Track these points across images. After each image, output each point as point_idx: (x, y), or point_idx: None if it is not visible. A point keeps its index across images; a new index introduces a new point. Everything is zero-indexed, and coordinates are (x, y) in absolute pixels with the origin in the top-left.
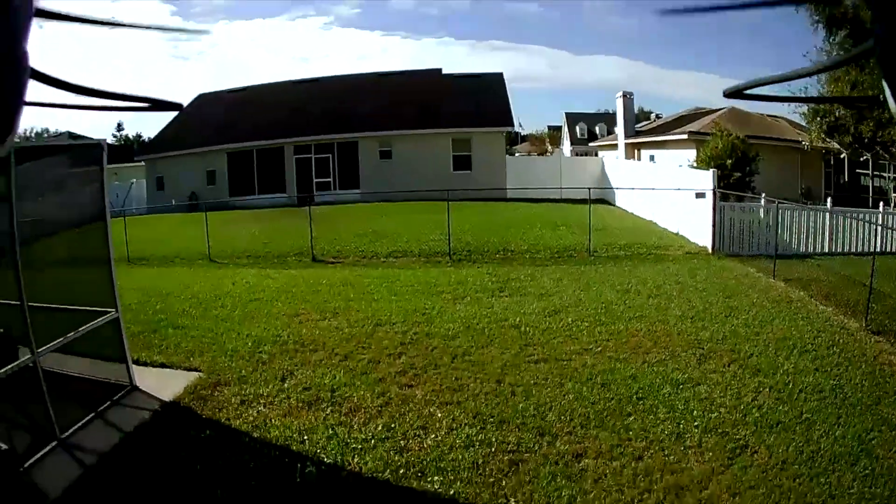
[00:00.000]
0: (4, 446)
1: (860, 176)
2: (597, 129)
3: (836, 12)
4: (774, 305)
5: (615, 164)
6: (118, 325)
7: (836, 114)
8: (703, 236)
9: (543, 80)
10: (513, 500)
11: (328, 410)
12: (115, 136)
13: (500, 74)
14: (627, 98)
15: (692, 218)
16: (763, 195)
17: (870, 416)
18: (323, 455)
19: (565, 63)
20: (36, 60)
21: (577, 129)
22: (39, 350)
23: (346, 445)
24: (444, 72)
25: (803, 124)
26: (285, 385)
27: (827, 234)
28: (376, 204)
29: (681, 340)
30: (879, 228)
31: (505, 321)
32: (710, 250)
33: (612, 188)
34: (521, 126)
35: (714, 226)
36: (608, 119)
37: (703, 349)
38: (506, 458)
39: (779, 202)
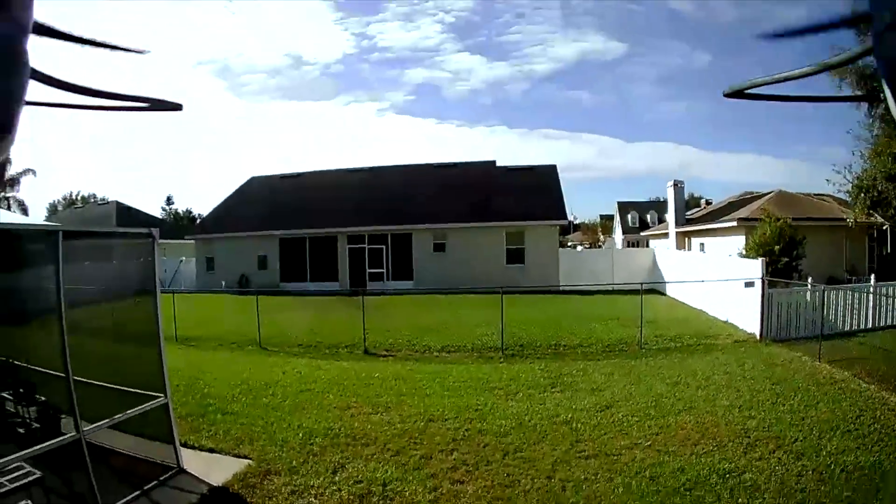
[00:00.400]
0: None
1: None
2: (648, 216)
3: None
4: (819, 388)
5: (666, 254)
6: (167, 410)
7: (879, 188)
8: (751, 323)
9: (595, 168)
10: None
11: None
12: (164, 210)
13: (554, 167)
14: (678, 187)
15: (741, 306)
16: (809, 279)
17: None
18: None
19: (616, 151)
20: (36, 60)
21: (629, 217)
22: (85, 429)
23: None
24: (497, 163)
25: (847, 200)
26: (336, 478)
27: (870, 310)
28: (429, 296)
29: (728, 431)
30: None
31: (556, 417)
32: (758, 337)
33: (663, 280)
34: (574, 215)
35: (762, 313)
36: (659, 207)
37: (750, 438)
38: None
39: (824, 287)
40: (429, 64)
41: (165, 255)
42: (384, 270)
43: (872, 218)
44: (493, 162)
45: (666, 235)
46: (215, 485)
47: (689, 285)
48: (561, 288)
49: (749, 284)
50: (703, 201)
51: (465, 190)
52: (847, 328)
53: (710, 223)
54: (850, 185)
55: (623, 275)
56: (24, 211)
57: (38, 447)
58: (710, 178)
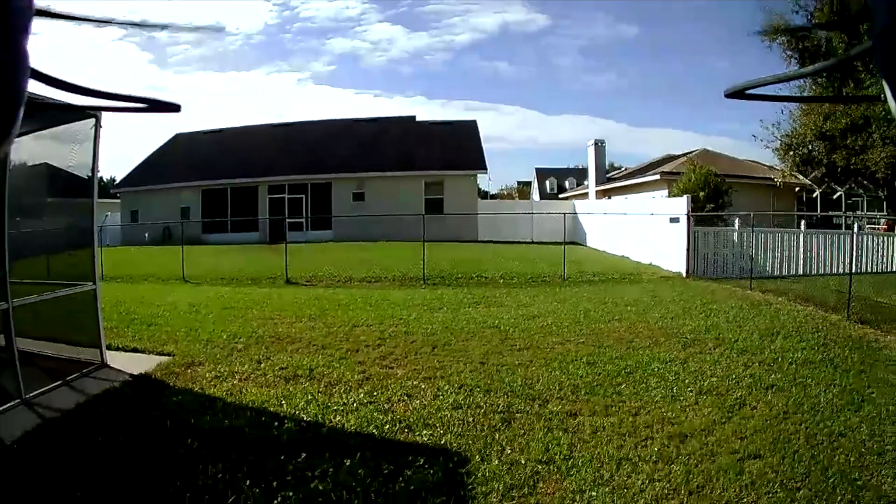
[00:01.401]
0: None
1: (832, 217)
2: (566, 183)
3: (810, 45)
4: (754, 307)
5: (586, 204)
6: (95, 299)
7: (809, 147)
8: (676, 263)
9: (514, 140)
10: (508, 448)
11: (306, 384)
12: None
13: (474, 122)
14: (599, 146)
15: (665, 247)
16: (737, 220)
17: (864, 377)
18: (302, 415)
19: (536, 122)
20: (36, 60)
21: (547, 183)
22: (14, 301)
23: (326, 408)
24: (417, 119)
25: (776, 161)
26: (262, 366)
27: (801, 255)
28: (349, 243)
29: (662, 333)
30: (851, 247)
31: (483, 323)
32: (684, 275)
33: (583, 230)
34: (490, 182)
35: (688, 251)
36: (578, 174)
37: (687, 338)
38: (497, 416)
39: (754, 227)
40: (350, 34)
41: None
42: (304, 220)
43: (801, 179)
44: (413, 117)
45: (585, 196)
46: (137, 374)
47: (610, 235)
48: (480, 237)
49: (674, 220)
50: (623, 168)
51: (384, 142)
52: (777, 273)
53: (632, 179)
54: (779, 142)
55: (543, 229)
56: None
57: None
58: (630, 152)
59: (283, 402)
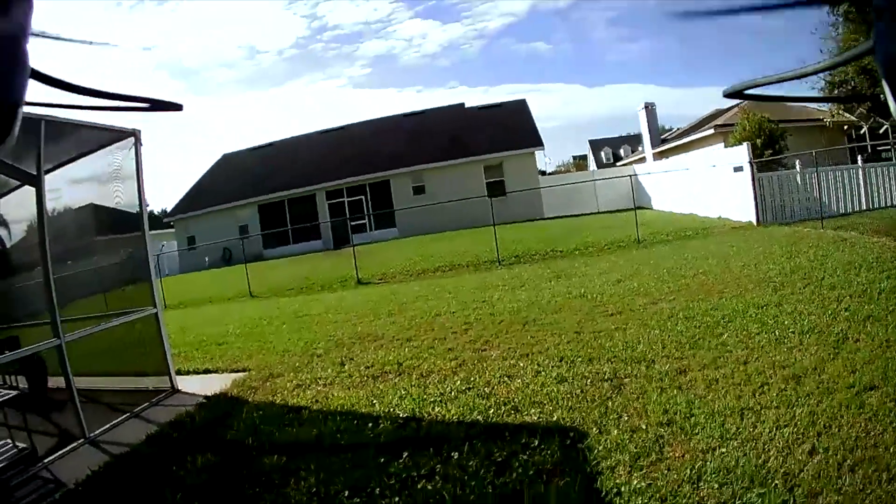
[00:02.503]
0: (23, 445)
1: (881, 151)
2: (621, 151)
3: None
4: (831, 245)
5: (646, 167)
6: (157, 322)
7: (852, 83)
8: (745, 212)
9: (562, 117)
10: (625, 415)
11: (396, 379)
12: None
13: (523, 100)
14: (650, 109)
15: (731, 198)
16: (798, 162)
17: None
18: (398, 411)
19: (580, 97)
20: (36, 60)
21: (602, 154)
22: (67, 336)
23: (422, 401)
24: (466, 105)
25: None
26: (345, 367)
27: (863, 190)
28: (415, 237)
29: (750, 280)
30: None
31: (569, 294)
32: (754, 223)
33: (647, 193)
34: (547, 161)
35: (755, 198)
36: (632, 140)
37: (775, 282)
38: (605, 384)
39: (817, 167)
40: (382, 35)
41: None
42: (366, 221)
43: (847, 116)
44: (462, 104)
45: (643, 160)
46: (210, 394)
47: (675, 195)
48: (545, 214)
49: (738, 169)
50: (675, 129)
51: (437, 132)
52: (841, 210)
53: (686, 137)
54: (823, 82)
55: (608, 198)
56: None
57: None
58: (678, 114)
59: (375, 401)
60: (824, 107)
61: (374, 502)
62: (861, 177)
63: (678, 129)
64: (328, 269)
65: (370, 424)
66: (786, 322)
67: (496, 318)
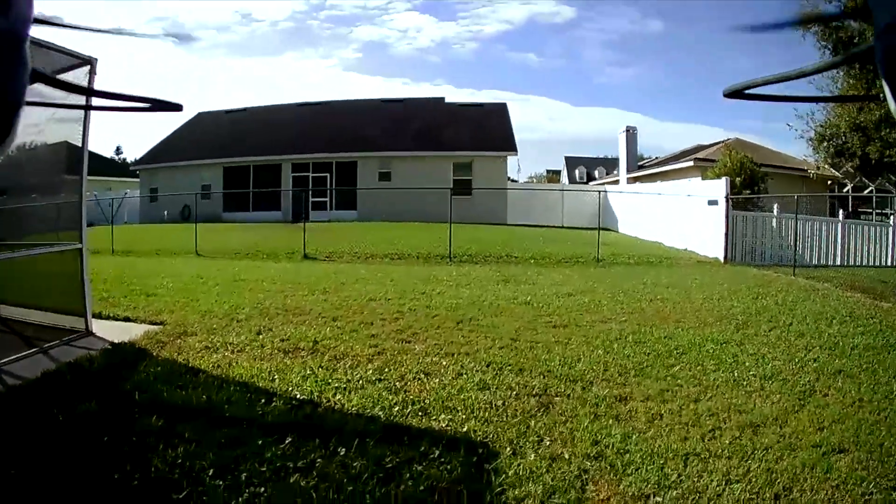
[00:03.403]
0: None
1: (860, 213)
2: (596, 172)
3: (844, 35)
4: (803, 292)
5: (618, 188)
6: (80, 260)
7: (843, 138)
8: (713, 248)
9: (543, 130)
10: (547, 438)
11: (307, 357)
12: (114, 158)
13: (504, 104)
14: (630, 133)
15: (701, 232)
16: (776, 205)
17: None
18: (296, 392)
19: (565, 114)
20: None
21: (577, 172)
22: None
23: (325, 385)
24: (446, 100)
25: (809, 151)
26: (260, 337)
27: (840, 245)
28: (373, 223)
29: (710, 314)
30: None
31: (514, 300)
32: (721, 260)
33: (614, 215)
34: (519, 171)
35: (727, 235)
36: (608, 164)
37: (738, 320)
38: (532, 400)
39: (797, 215)
40: (378, 22)
41: (112, 189)
42: (328, 199)
43: (834, 172)
44: (443, 98)
45: (617, 182)
46: (118, 342)
47: (643, 221)
48: (508, 221)
49: (712, 202)
50: (654, 157)
51: (412, 122)
52: (815, 262)
53: (664, 167)
54: (813, 132)
55: (573, 214)
56: None
57: None
58: (658, 145)
59: (276, 376)
60: (810, 158)
61: (238, 488)
62: (840, 231)
63: (657, 157)
64: (279, 239)
65: (263, 400)
66: (746, 363)
67: (431, 311)
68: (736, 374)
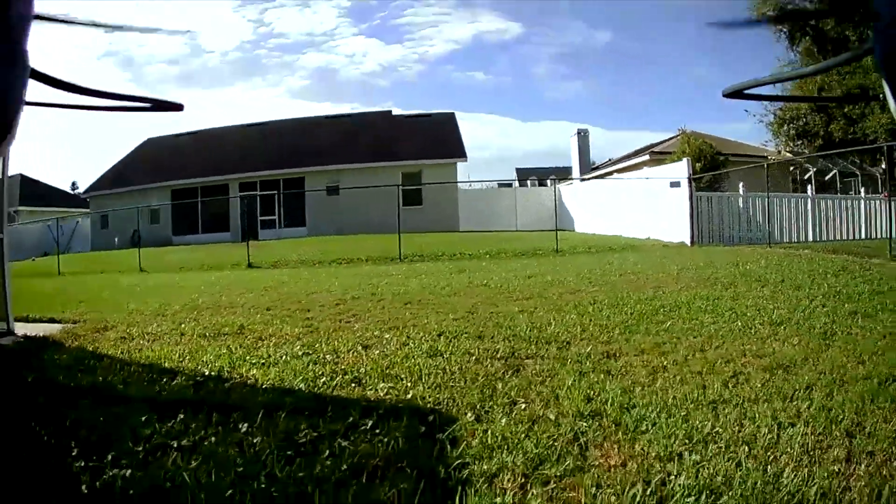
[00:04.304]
0: None
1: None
2: (548, 182)
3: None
4: (785, 259)
5: (572, 189)
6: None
7: (804, 119)
8: (678, 233)
9: (493, 148)
10: (522, 400)
11: (228, 340)
12: (70, 192)
13: (452, 114)
14: (582, 135)
15: (664, 219)
16: (741, 184)
17: None
18: (204, 369)
19: (515, 130)
20: (36, 60)
21: (528, 182)
22: None
23: (241, 361)
24: (394, 112)
25: (769, 136)
26: (182, 326)
27: (810, 222)
28: (324, 237)
29: (692, 279)
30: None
31: (470, 283)
32: (688, 244)
33: (570, 216)
34: (470, 185)
35: (692, 216)
36: (560, 173)
37: (724, 282)
38: (496, 363)
39: (769, 193)
40: (324, 48)
41: (65, 220)
42: (276, 217)
43: (796, 157)
44: (390, 111)
45: (570, 183)
46: (34, 335)
47: (600, 216)
48: (461, 227)
49: (675, 185)
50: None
51: (360, 135)
52: (786, 240)
53: (618, 165)
54: (773, 115)
55: (527, 218)
56: None
57: None
58: (611, 154)
59: (187, 357)
60: (769, 145)
61: (100, 471)
62: (810, 207)
63: (610, 159)
64: (225, 254)
65: (165, 379)
66: (748, 314)
67: (377, 297)
68: (740, 324)
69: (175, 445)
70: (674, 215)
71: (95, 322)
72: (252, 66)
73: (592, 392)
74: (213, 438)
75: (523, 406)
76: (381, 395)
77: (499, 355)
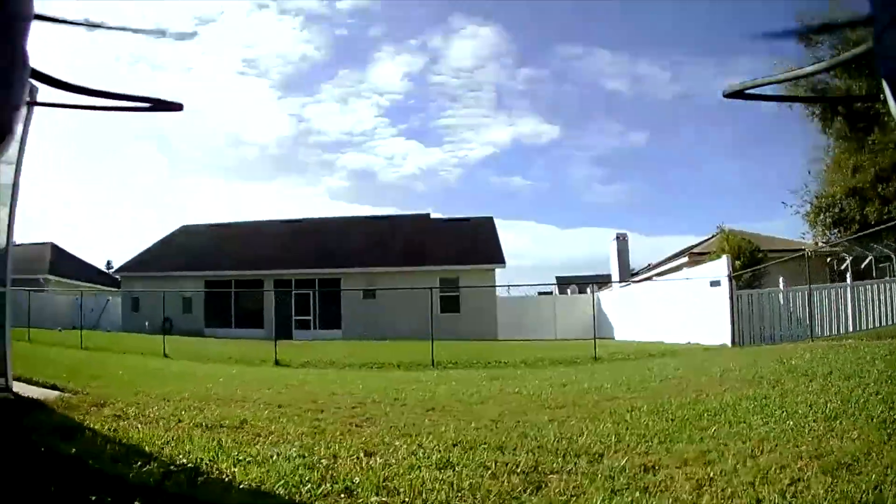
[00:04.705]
0: None
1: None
2: (588, 290)
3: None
4: (829, 351)
5: (612, 296)
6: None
7: (839, 206)
8: (719, 335)
9: (531, 256)
10: None
11: (224, 433)
12: (105, 271)
13: (490, 218)
14: (622, 240)
15: (704, 321)
16: (781, 279)
17: None
18: (182, 459)
19: (552, 237)
20: (36, 60)
21: (568, 291)
22: None
23: (226, 455)
24: (431, 216)
25: (806, 228)
26: (182, 413)
27: (850, 311)
28: (357, 341)
29: (735, 381)
30: None
31: (501, 390)
32: (729, 345)
33: (609, 323)
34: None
35: (732, 315)
36: (599, 280)
37: (769, 379)
38: (514, 478)
39: (810, 286)
40: (364, 148)
41: (95, 295)
42: (311, 318)
43: (829, 245)
44: (428, 214)
45: (610, 289)
46: (29, 398)
47: (639, 321)
48: (499, 336)
49: (715, 283)
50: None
51: (397, 238)
52: (826, 333)
53: (657, 269)
54: (809, 206)
55: (567, 326)
56: None
57: None
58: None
59: (171, 444)
60: (807, 236)
61: None
62: (849, 295)
63: (649, 264)
64: (255, 350)
65: (139, 462)
66: (799, 411)
67: (399, 402)
68: (791, 423)
69: None
70: (713, 317)
71: (96, 396)
72: (291, 163)
73: None
74: None
75: None
76: None
77: (519, 469)
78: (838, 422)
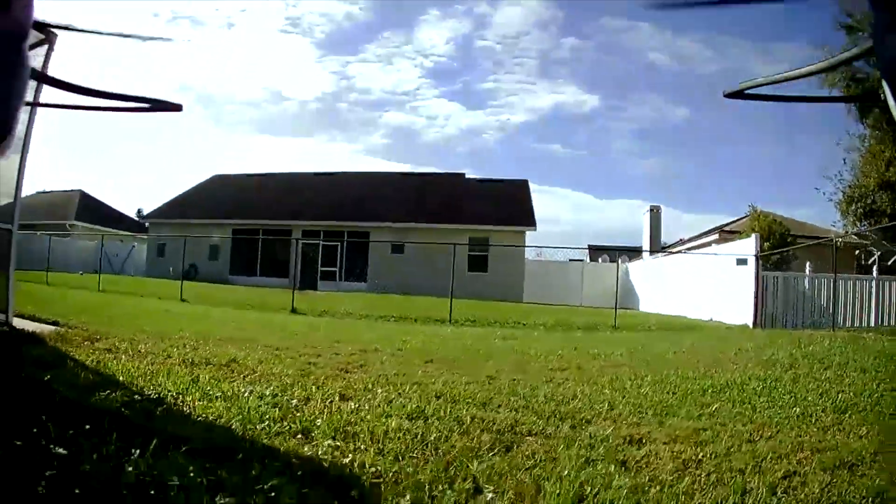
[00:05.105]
0: None
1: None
2: (619, 261)
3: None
4: (849, 341)
5: (641, 267)
6: (9, 243)
7: (872, 196)
8: (742, 314)
9: (566, 223)
10: (490, 487)
11: (206, 369)
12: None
13: (525, 181)
14: (654, 212)
15: (727, 298)
16: (808, 264)
17: None
18: (151, 391)
19: (589, 206)
20: (35, 60)
21: (600, 260)
22: None
23: (195, 390)
24: (466, 175)
25: (837, 216)
26: (173, 349)
27: (873, 304)
28: (382, 295)
29: (749, 359)
30: None
31: (509, 349)
32: (750, 326)
33: (636, 294)
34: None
35: (756, 296)
36: (632, 252)
37: (783, 363)
38: (487, 436)
39: (836, 274)
40: (406, 108)
41: (122, 241)
42: (337, 269)
43: (861, 240)
44: (463, 174)
45: (640, 260)
46: (23, 331)
47: (665, 294)
48: (524, 299)
49: (742, 262)
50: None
51: (430, 195)
52: (848, 325)
53: (688, 244)
54: (842, 194)
55: (593, 294)
56: None
57: None
58: (684, 237)
59: (146, 377)
60: (837, 225)
61: None
62: (874, 289)
63: (681, 239)
64: (276, 298)
65: (108, 391)
66: (809, 398)
67: (401, 352)
68: (798, 410)
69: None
70: (738, 295)
71: (92, 332)
72: (332, 119)
73: (590, 488)
74: (80, 456)
75: (488, 497)
76: (319, 452)
77: (494, 428)
78: (847, 415)
